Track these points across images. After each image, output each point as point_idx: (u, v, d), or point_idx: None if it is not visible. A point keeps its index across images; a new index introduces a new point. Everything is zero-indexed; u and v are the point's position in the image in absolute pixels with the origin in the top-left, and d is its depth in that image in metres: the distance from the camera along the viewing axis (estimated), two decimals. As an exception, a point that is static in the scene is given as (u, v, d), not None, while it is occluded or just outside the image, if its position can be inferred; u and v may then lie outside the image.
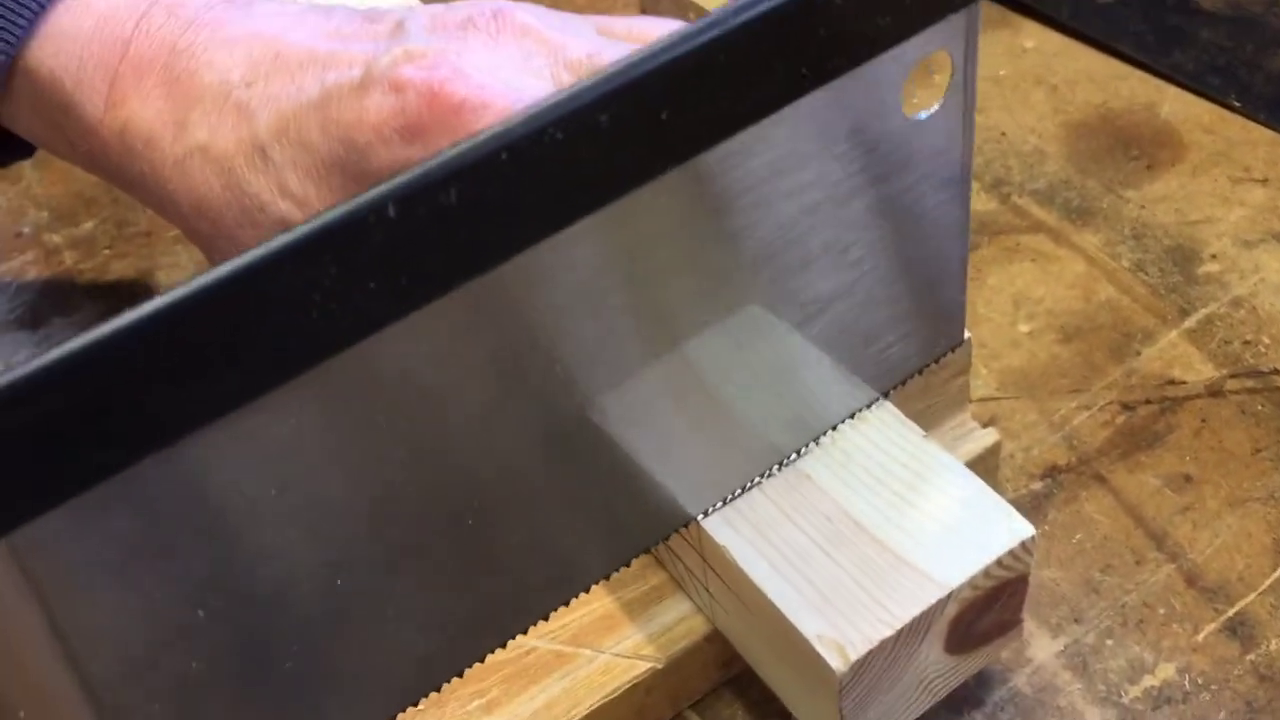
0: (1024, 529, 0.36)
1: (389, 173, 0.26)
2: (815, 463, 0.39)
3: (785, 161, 0.32)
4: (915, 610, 0.35)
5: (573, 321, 0.31)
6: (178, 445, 0.25)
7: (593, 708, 0.40)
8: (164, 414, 0.25)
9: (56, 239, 0.63)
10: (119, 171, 0.39)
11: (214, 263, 0.24)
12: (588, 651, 0.42)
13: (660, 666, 0.41)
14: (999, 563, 0.36)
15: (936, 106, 0.34)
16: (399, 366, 0.28)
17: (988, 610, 0.37)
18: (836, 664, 0.34)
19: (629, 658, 0.41)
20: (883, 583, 0.35)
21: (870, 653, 0.34)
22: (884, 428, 0.39)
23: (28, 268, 0.62)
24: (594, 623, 0.42)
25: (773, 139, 0.31)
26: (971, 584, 0.35)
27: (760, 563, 0.36)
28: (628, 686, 0.41)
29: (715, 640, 0.42)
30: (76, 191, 0.66)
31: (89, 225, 0.64)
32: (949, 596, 0.35)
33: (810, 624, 0.35)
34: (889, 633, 0.34)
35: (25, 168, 0.68)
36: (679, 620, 0.42)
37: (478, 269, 0.28)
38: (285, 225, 0.27)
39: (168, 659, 0.28)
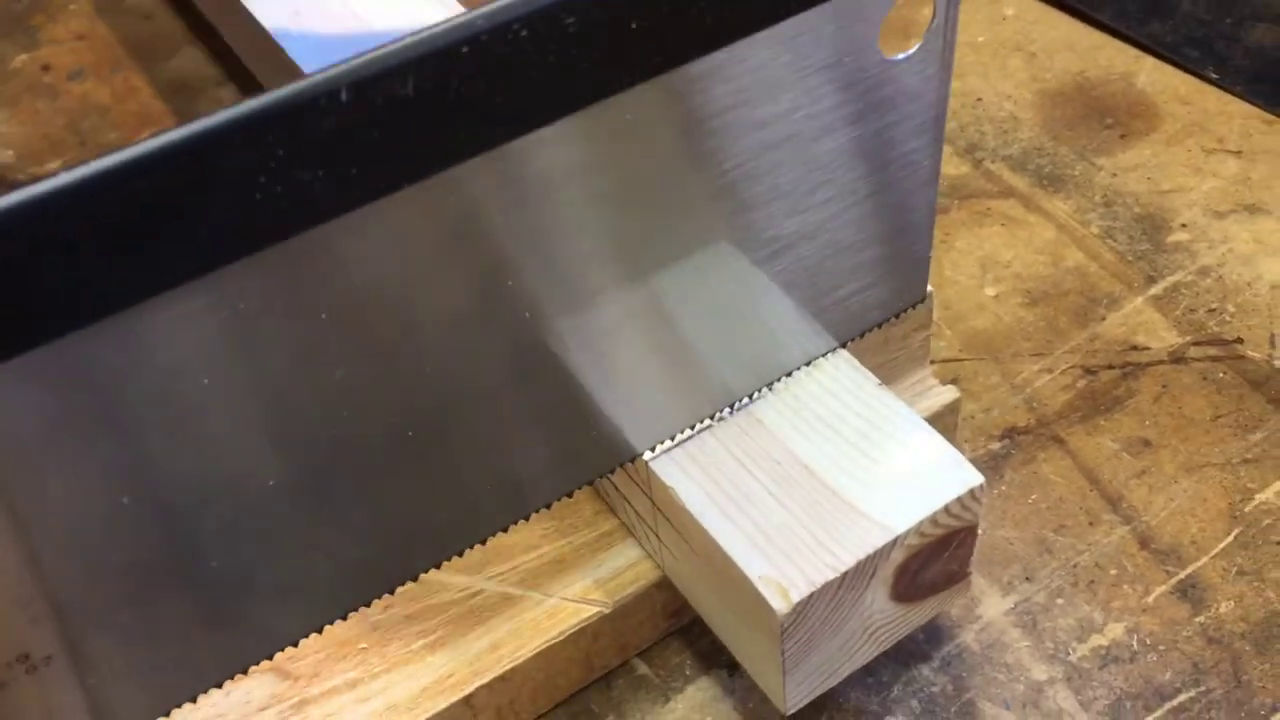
0: (973, 477, 0.36)
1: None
2: (768, 408, 0.38)
3: (756, 89, 0.32)
4: (860, 554, 0.34)
5: (528, 236, 0.30)
6: (115, 317, 0.24)
7: (538, 650, 0.40)
8: (100, 284, 0.24)
9: (22, 179, 0.63)
10: None
11: None
12: (535, 594, 0.41)
13: (608, 611, 0.41)
14: (947, 510, 0.35)
15: (915, 49, 0.34)
16: (345, 262, 0.27)
17: (935, 559, 0.37)
18: (779, 605, 0.33)
19: (576, 602, 0.41)
20: (829, 526, 0.35)
21: (813, 595, 0.34)
22: (838, 374, 0.39)
23: (-10, 204, 0.61)
24: (543, 566, 0.42)
25: (745, 64, 0.31)
26: (919, 530, 0.35)
27: (707, 505, 0.36)
28: (574, 630, 0.40)
29: (665, 587, 0.42)
30: (44, 133, 0.66)
31: (55, 166, 0.63)
32: (895, 542, 0.35)
33: (754, 565, 0.34)
34: (833, 575, 0.34)
35: (-9, 105, 0.67)
36: (628, 566, 0.42)
37: (431, 168, 0.27)
38: None
39: (100, 542, 0.27)
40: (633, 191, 0.32)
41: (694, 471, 0.37)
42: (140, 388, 0.26)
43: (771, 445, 0.37)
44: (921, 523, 0.35)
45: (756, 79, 0.32)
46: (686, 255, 0.34)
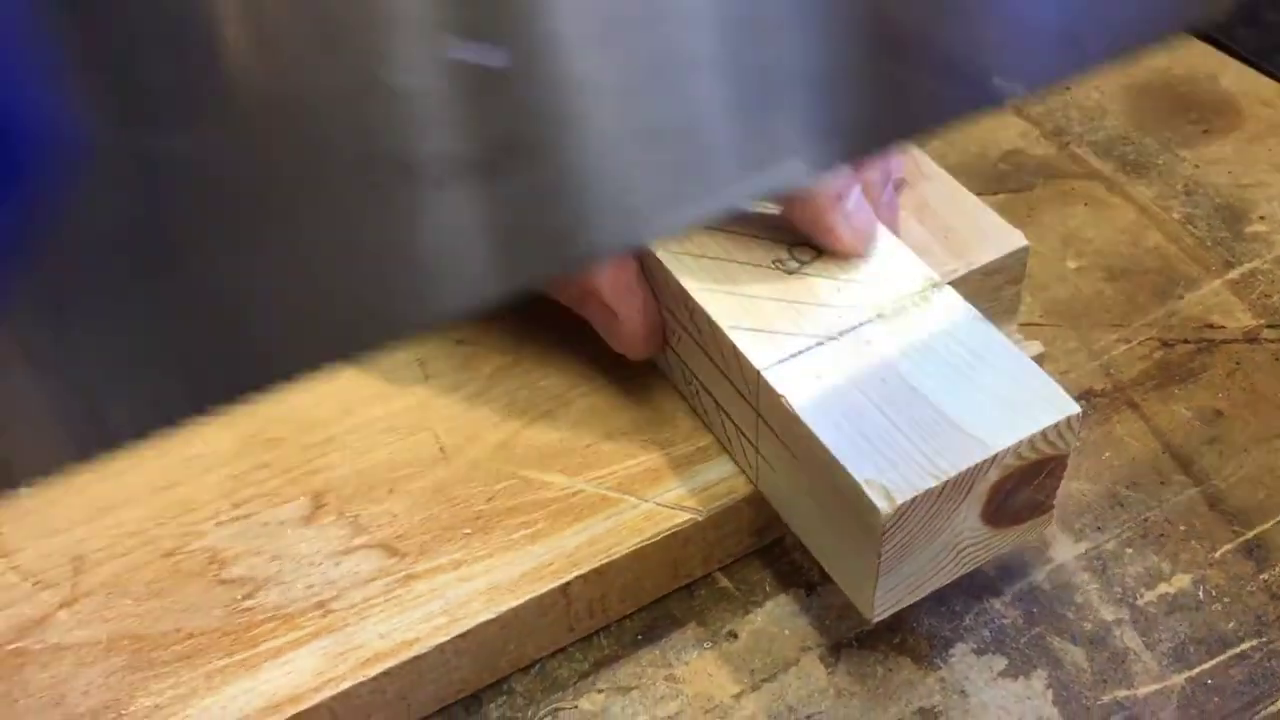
0: (1070, 406, 0.38)
1: None
2: (875, 331, 0.40)
3: None
4: (961, 466, 0.36)
5: None
6: None
7: (632, 549, 0.42)
8: None
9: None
10: None
11: None
12: (632, 498, 0.43)
13: (700, 519, 0.43)
14: (1045, 435, 0.37)
15: None
16: None
17: (1026, 485, 0.38)
18: (883, 505, 0.35)
19: (671, 508, 0.43)
20: (932, 439, 0.37)
21: (915, 499, 0.36)
22: (944, 307, 0.41)
23: None
24: (639, 474, 0.44)
25: None
26: (1016, 452, 0.37)
27: (816, 413, 0.38)
28: (668, 534, 0.42)
29: (754, 503, 0.44)
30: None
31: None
32: (994, 459, 0.37)
33: (860, 468, 0.36)
34: (934, 483, 0.36)
35: None
36: (721, 480, 0.44)
37: None
38: None
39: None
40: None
41: (804, 383, 0.39)
42: None
43: (879, 365, 0.39)
44: (1020, 444, 0.37)
45: None
46: None
